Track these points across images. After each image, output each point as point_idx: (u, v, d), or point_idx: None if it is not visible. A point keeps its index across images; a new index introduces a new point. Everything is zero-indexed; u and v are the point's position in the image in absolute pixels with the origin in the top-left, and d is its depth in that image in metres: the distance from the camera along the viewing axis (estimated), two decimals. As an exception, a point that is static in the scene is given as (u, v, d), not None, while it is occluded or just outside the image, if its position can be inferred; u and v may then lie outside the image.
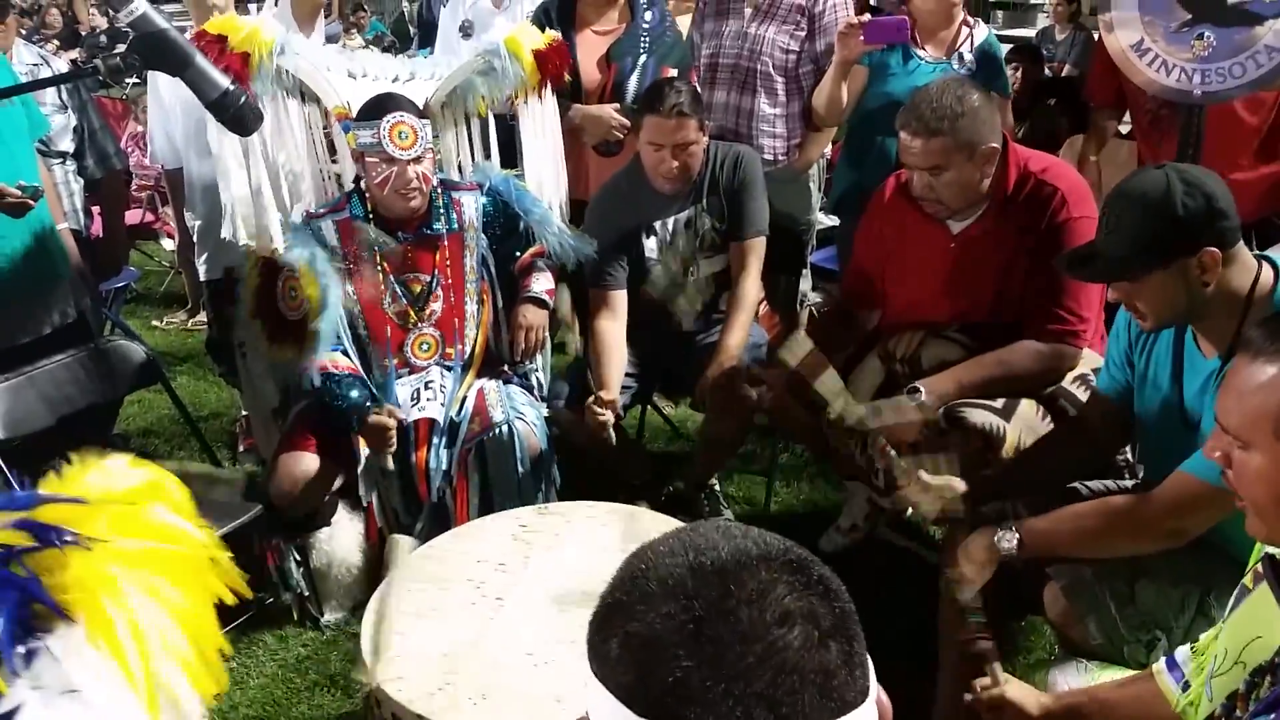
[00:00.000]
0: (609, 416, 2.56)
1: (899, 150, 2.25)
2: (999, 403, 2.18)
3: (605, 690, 0.65)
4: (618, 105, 3.09)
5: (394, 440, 2.46)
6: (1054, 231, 2.19)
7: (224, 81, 1.50)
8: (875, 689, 0.67)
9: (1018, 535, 1.73)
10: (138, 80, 5.78)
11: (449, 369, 2.63)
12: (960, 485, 1.90)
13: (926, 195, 2.23)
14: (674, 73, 3.09)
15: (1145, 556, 1.70)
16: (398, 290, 2.58)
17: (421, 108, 2.58)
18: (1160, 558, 1.69)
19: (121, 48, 1.45)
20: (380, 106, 2.46)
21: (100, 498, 0.75)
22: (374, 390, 2.52)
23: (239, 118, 1.54)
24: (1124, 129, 5.53)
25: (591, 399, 2.57)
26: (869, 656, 0.67)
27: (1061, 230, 2.18)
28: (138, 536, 0.74)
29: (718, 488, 3.06)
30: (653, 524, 2.05)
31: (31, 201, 2.46)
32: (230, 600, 0.80)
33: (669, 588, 0.66)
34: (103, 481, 0.78)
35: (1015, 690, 1.52)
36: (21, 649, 0.67)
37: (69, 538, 0.71)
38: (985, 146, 2.17)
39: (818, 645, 0.64)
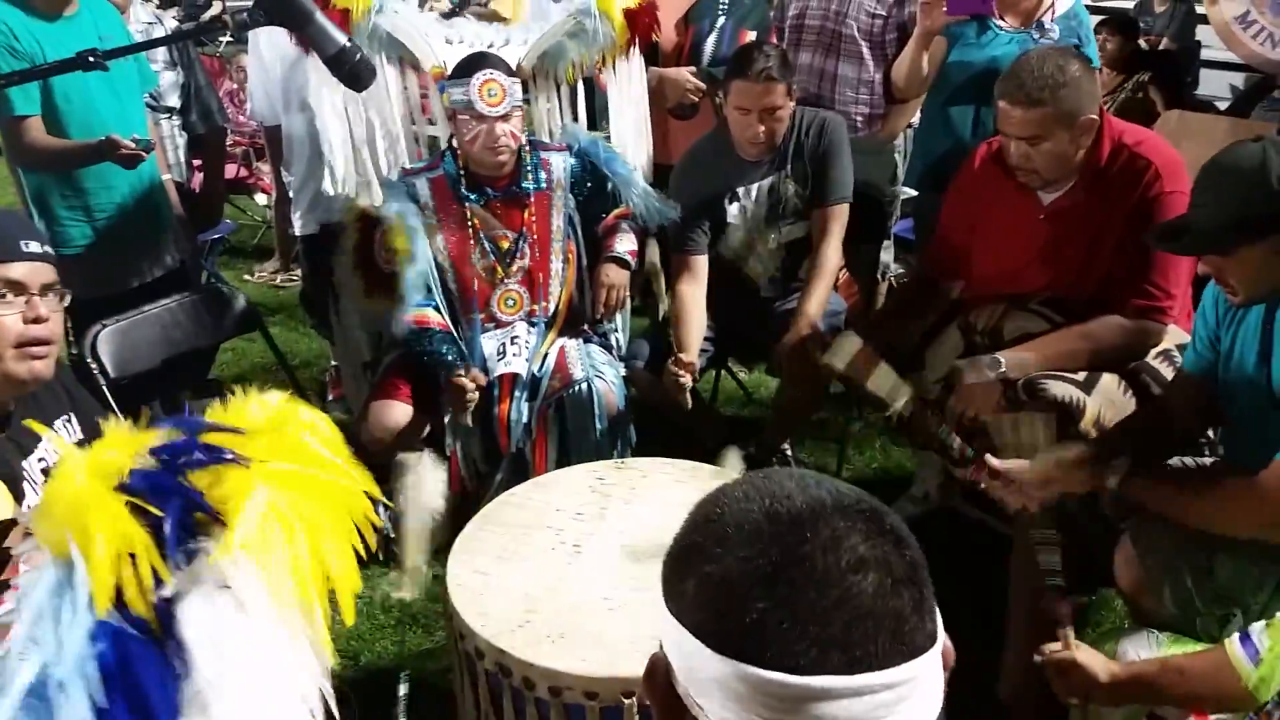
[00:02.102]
0: (686, 379, 2.60)
1: (997, 119, 2.22)
2: (1080, 376, 2.16)
3: (680, 626, 0.69)
4: (694, 68, 3.10)
5: (474, 401, 2.54)
6: (1146, 205, 2.16)
7: (341, 38, 1.56)
8: (942, 635, 0.70)
9: (1121, 473, 1.71)
10: (232, 39, 5.95)
11: (534, 325, 2.70)
12: (1027, 468, 1.88)
13: (1023, 165, 2.21)
14: (753, 35, 3.09)
15: None
16: (486, 246, 2.65)
17: (514, 69, 2.64)
18: (1243, 534, 1.67)
19: (217, 6, 1.53)
20: (472, 65, 2.53)
21: (259, 425, 0.82)
22: (462, 347, 2.60)
23: (355, 73, 1.60)
24: (1221, 105, 5.37)
25: (671, 360, 2.62)
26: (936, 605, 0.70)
27: (1154, 204, 2.15)
28: (294, 462, 0.81)
29: (790, 453, 3.09)
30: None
31: (144, 154, 2.58)
32: (369, 532, 0.86)
33: (745, 533, 0.68)
34: (262, 413, 0.85)
35: (1084, 655, 1.53)
36: (184, 548, 0.74)
37: (229, 456, 0.78)
38: (1085, 118, 2.14)
39: (890, 592, 0.66)
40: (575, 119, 2.90)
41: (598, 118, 2.94)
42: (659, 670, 0.72)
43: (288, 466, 0.79)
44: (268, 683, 0.75)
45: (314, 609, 0.78)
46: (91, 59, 1.40)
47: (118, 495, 0.75)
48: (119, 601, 0.72)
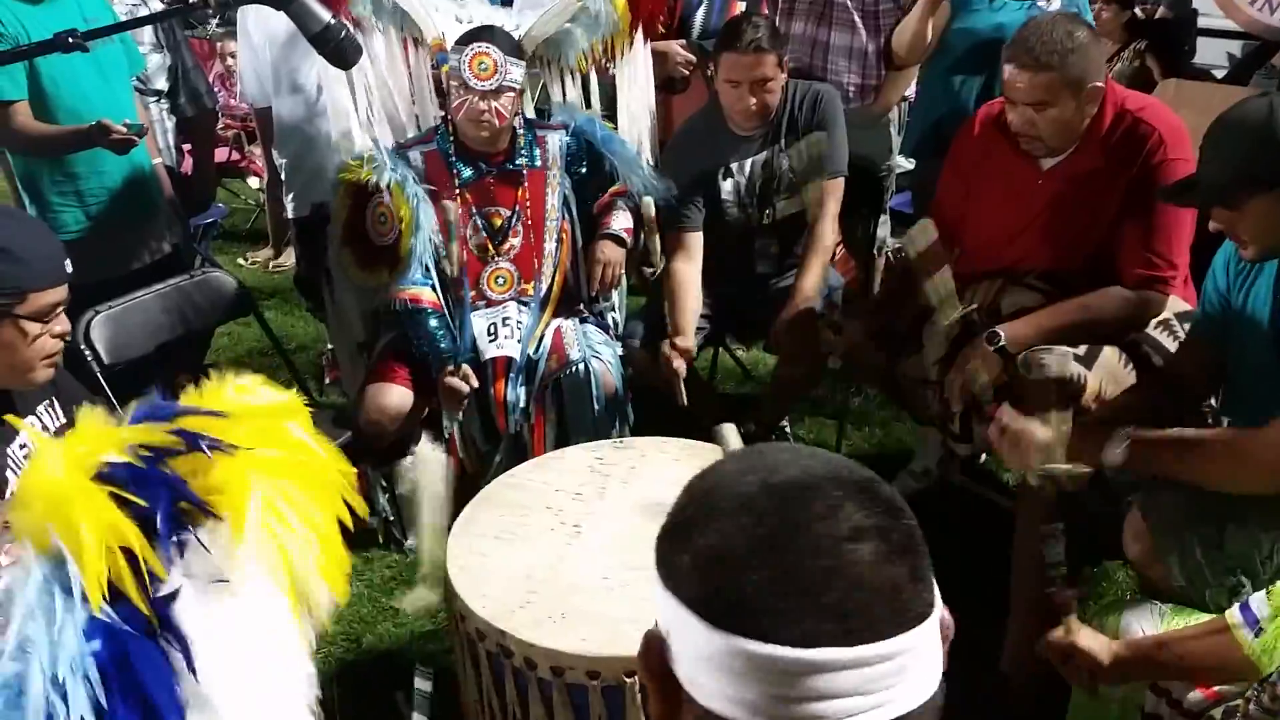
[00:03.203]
0: (681, 365, 2.58)
1: (1003, 83, 2.20)
2: (1081, 349, 2.14)
3: (676, 600, 0.67)
4: (684, 41, 3.07)
5: (468, 399, 2.54)
6: (1149, 173, 2.13)
7: (326, 15, 1.55)
8: (939, 605, 0.69)
9: (1127, 442, 1.68)
10: (221, 22, 5.89)
11: (525, 305, 2.68)
12: (1041, 434, 1.86)
13: (1026, 131, 2.18)
14: (742, 6, 3.05)
15: (1238, 500, 1.67)
16: (479, 222, 2.63)
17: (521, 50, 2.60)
18: (1252, 502, 1.66)
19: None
20: (472, 36, 2.49)
21: (239, 411, 0.80)
22: (454, 331, 2.58)
23: (340, 51, 1.58)
24: (1218, 73, 5.33)
25: (665, 344, 2.60)
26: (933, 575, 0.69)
27: (1157, 172, 2.12)
28: (275, 448, 0.79)
29: (788, 430, 3.08)
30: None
31: (136, 139, 2.55)
32: (345, 516, 0.84)
33: (740, 504, 0.67)
34: (240, 398, 0.83)
35: (1086, 638, 1.52)
36: (174, 540, 0.72)
37: (214, 444, 0.76)
38: (1091, 85, 2.12)
39: (886, 560, 0.65)
40: (588, 104, 2.86)
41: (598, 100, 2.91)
42: (653, 648, 0.70)
43: (274, 453, 0.77)
44: (269, 677, 0.73)
45: (312, 598, 0.76)
46: (71, 39, 1.38)
47: (99, 485, 0.72)
48: (112, 596, 0.70)
